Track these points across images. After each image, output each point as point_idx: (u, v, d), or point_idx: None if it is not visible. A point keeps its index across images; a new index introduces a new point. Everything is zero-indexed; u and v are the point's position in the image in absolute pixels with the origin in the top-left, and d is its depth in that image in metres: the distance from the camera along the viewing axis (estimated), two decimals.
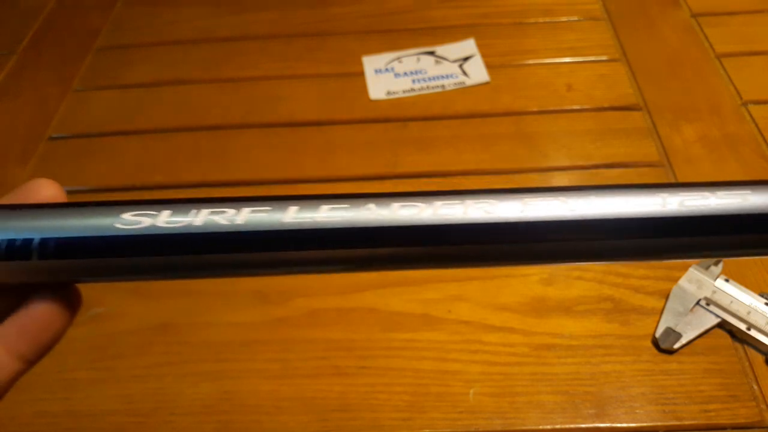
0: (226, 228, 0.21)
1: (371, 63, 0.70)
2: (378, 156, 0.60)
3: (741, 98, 0.63)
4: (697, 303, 0.46)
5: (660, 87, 0.65)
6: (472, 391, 0.43)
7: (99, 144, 0.64)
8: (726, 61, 0.67)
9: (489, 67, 0.68)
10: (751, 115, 0.61)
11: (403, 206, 0.21)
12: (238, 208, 0.21)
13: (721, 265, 0.47)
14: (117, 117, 0.67)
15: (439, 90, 0.66)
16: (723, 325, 0.45)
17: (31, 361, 0.22)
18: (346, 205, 0.21)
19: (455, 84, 0.67)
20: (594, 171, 0.57)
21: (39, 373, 0.25)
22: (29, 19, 0.81)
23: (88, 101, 0.69)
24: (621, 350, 0.45)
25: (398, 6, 0.78)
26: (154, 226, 0.21)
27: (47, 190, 0.23)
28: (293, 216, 0.21)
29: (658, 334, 0.45)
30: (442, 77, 0.68)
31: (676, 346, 0.44)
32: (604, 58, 0.69)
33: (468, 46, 0.71)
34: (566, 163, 0.58)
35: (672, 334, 0.44)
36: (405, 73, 0.68)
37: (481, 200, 0.21)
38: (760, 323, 0.44)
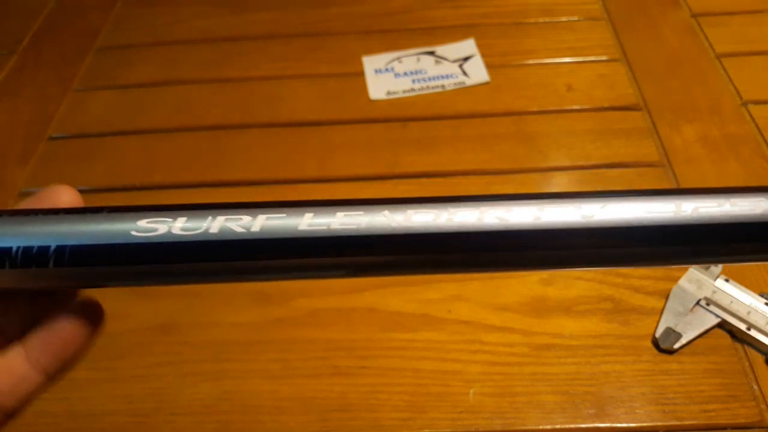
0: (241, 236, 0.21)
1: (371, 63, 0.70)
2: (378, 156, 0.60)
3: (741, 98, 0.63)
4: (697, 303, 0.46)
5: (660, 87, 0.65)
6: (472, 391, 0.43)
7: (99, 144, 0.64)
8: (726, 61, 0.67)
9: (489, 67, 0.68)
10: (751, 115, 0.61)
11: (417, 213, 0.21)
12: (253, 215, 0.21)
13: (721, 265, 0.47)
14: (117, 117, 0.67)
15: (439, 90, 0.66)
16: (723, 325, 0.45)
17: (52, 376, 0.23)
18: (360, 212, 0.21)
19: (455, 84, 0.67)
20: (594, 171, 0.57)
21: None
22: (29, 19, 0.81)
23: (88, 101, 0.69)
24: (621, 350, 0.45)
25: (398, 6, 0.78)
26: (170, 234, 0.21)
27: (66, 196, 0.23)
28: (308, 223, 0.21)
29: (658, 334, 0.45)
30: (442, 77, 0.68)
31: (676, 346, 0.44)
32: (604, 58, 0.69)
33: (468, 46, 0.71)
34: (566, 163, 0.58)
35: (672, 334, 0.44)
36: (405, 73, 0.68)
37: (495, 206, 0.21)
38: (760, 323, 0.44)
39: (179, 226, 0.21)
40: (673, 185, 0.55)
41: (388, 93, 0.66)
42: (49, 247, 0.21)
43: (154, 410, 0.43)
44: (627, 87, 0.65)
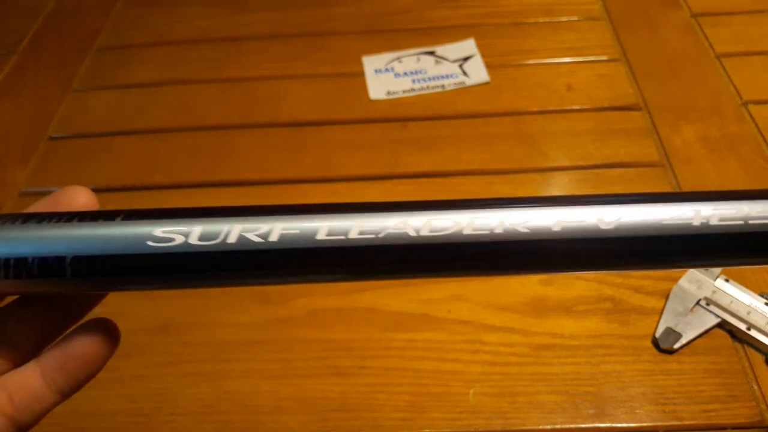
0: (259, 246, 0.21)
1: (371, 63, 0.70)
2: (378, 156, 0.60)
3: (741, 98, 0.63)
4: (697, 303, 0.46)
5: (660, 87, 0.65)
6: (472, 391, 0.43)
7: (99, 144, 0.64)
8: (726, 61, 0.67)
9: (489, 67, 0.68)
10: (751, 115, 0.61)
11: (437, 220, 0.21)
12: (270, 224, 0.21)
13: None
14: (117, 117, 0.67)
15: (439, 90, 0.66)
16: (723, 325, 0.45)
17: (67, 395, 0.23)
18: (378, 220, 0.21)
19: (455, 84, 0.67)
20: (594, 171, 0.57)
21: None
22: (29, 19, 0.81)
23: (88, 101, 0.69)
24: (621, 350, 0.45)
25: (398, 6, 0.78)
26: (186, 244, 0.21)
27: (81, 197, 0.23)
28: (326, 232, 0.21)
29: (658, 334, 0.45)
30: (442, 77, 0.68)
31: (676, 346, 0.44)
32: (604, 58, 0.69)
33: (468, 46, 0.71)
34: (566, 163, 0.58)
35: (672, 334, 0.44)
36: (405, 73, 0.68)
37: (515, 212, 0.21)
38: (760, 323, 0.44)
39: (196, 235, 0.21)
40: (673, 185, 0.55)
41: (388, 93, 0.66)
42: (65, 258, 0.21)
43: (154, 410, 0.43)
44: (627, 87, 0.65)
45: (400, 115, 0.64)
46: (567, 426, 0.41)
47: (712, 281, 0.46)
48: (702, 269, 0.47)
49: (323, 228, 0.21)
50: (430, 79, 0.68)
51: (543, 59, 0.69)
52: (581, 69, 0.68)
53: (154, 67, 0.72)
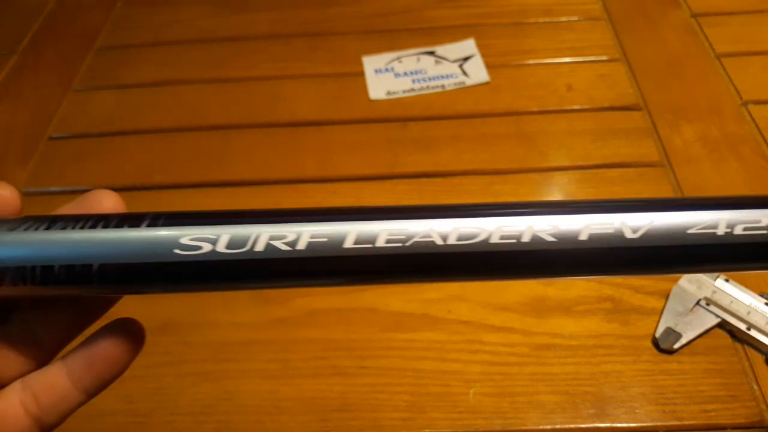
0: (286, 254, 0.21)
1: (371, 63, 0.70)
2: (378, 156, 0.60)
3: (741, 98, 0.63)
4: (697, 303, 0.46)
5: (660, 87, 0.65)
6: (472, 391, 0.43)
7: (99, 144, 0.64)
8: (726, 61, 0.67)
9: (489, 67, 0.68)
10: (751, 115, 0.61)
11: (464, 229, 0.21)
12: (297, 232, 0.21)
13: None
14: (117, 117, 0.67)
15: (439, 90, 0.66)
16: (723, 325, 0.45)
17: (92, 395, 0.23)
18: (405, 228, 0.21)
19: (455, 84, 0.67)
20: (594, 171, 0.57)
21: None
22: (29, 19, 0.81)
23: (88, 101, 0.69)
24: (621, 350, 0.45)
25: (398, 6, 0.78)
26: (214, 252, 0.21)
27: (108, 201, 0.23)
28: (353, 240, 0.21)
29: (658, 334, 0.45)
30: (442, 77, 0.68)
31: (676, 346, 0.44)
32: (604, 58, 0.69)
33: (468, 46, 0.71)
34: (566, 163, 0.58)
35: (672, 334, 0.44)
36: (405, 73, 0.68)
37: (542, 219, 0.21)
38: (760, 323, 0.44)
39: (223, 243, 0.21)
40: (673, 185, 0.55)
41: (388, 93, 0.66)
42: (91, 266, 0.21)
43: (154, 410, 0.43)
44: (627, 87, 0.65)
45: (400, 115, 0.64)
46: (567, 426, 0.41)
47: (712, 281, 0.46)
48: None
49: (350, 236, 0.21)
50: (430, 79, 0.68)
51: (543, 59, 0.69)
52: (581, 69, 0.68)
53: (154, 67, 0.72)
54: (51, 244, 0.21)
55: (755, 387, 0.42)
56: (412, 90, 0.67)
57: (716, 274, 0.47)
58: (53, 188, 0.59)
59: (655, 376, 0.43)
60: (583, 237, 0.21)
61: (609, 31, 0.72)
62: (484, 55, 0.70)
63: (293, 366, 0.45)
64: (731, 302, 0.45)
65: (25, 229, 0.21)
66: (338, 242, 0.21)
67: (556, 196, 0.56)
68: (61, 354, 0.24)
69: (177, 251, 0.21)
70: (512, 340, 0.46)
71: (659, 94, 0.64)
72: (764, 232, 0.21)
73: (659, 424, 0.41)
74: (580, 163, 0.58)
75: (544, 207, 0.22)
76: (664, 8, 0.75)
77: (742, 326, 0.44)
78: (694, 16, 0.73)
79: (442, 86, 0.67)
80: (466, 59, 0.70)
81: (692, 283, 0.47)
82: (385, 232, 0.21)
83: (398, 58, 0.70)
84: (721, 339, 0.45)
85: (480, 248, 0.21)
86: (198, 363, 0.46)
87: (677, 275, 0.47)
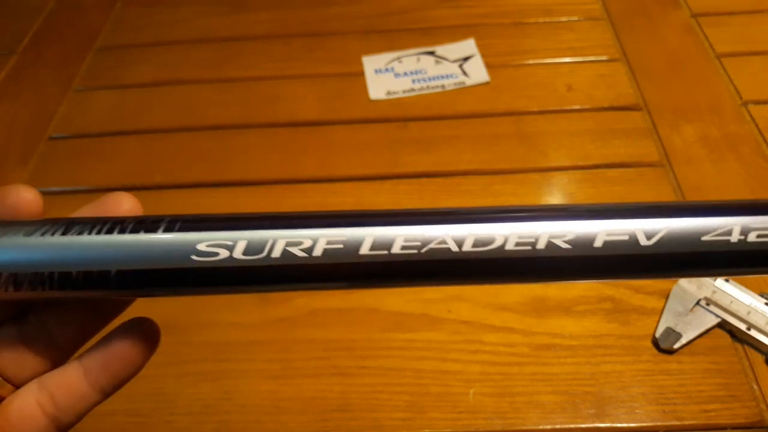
0: (303, 261, 0.21)
1: (371, 63, 0.70)
2: (378, 156, 0.60)
3: (741, 98, 0.63)
4: (697, 303, 0.46)
5: (660, 87, 0.65)
6: (472, 391, 0.43)
7: (99, 144, 0.64)
8: (726, 61, 0.67)
9: (489, 67, 0.68)
10: (751, 115, 0.61)
11: (479, 237, 0.21)
12: (314, 239, 0.21)
13: None
14: (117, 117, 0.67)
15: (439, 90, 0.66)
16: (723, 325, 0.45)
17: (108, 394, 0.23)
18: (420, 234, 0.21)
19: (455, 84, 0.67)
20: (594, 171, 0.57)
21: None
22: (29, 19, 0.81)
23: (88, 101, 0.69)
24: (621, 350, 0.45)
25: (398, 6, 0.78)
26: (231, 258, 0.21)
27: (126, 204, 0.23)
28: (369, 247, 0.21)
29: (658, 334, 0.45)
30: (442, 77, 0.68)
31: (676, 346, 0.44)
32: (604, 58, 0.69)
33: (468, 46, 0.71)
34: (566, 163, 0.58)
35: (672, 334, 0.44)
36: (405, 73, 0.68)
37: (557, 224, 0.21)
38: (760, 323, 0.44)
39: (240, 250, 0.21)
40: (673, 185, 0.55)
41: (388, 93, 0.66)
42: (109, 272, 0.21)
43: (154, 410, 0.43)
44: (627, 87, 0.65)
45: (400, 115, 0.64)
46: (567, 426, 0.41)
47: (712, 281, 0.46)
48: None
49: (366, 242, 0.21)
50: (430, 79, 0.68)
51: (543, 59, 0.69)
52: (581, 69, 0.68)
53: (154, 67, 0.72)
54: (68, 249, 0.21)
55: (755, 387, 0.42)
56: (412, 90, 0.67)
57: None
58: (53, 188, 0.59)
59: (655, 376, 0.43)
60: (598, 244, 0.21)
61: (609, 31, 0.72)
62: (484, 55, 0.70)
63: (293, 366, 0.45)
64: (731, 302, 0.45)
65: (42, 234, 0.21)
66: (354, 249, 0.21)
67: (556, 196, 0.56)
68: (76, 354, 0.24)
69: (194, 257, 0.21)
70: (512, 340, 0.46)
71: (659, 94, 0.64)
72: None
73: (659, 424, 0.41)
74: (580, 163, 0.58)
75: (560, 212, 0.22)
76: (664, 8, 0.75)
77: (742, 326, 0.44)
78: (694, 16, 0.73)
79: (442, 86, 0.67)
80: (466, 59, 0.70)
81: (692, 283, 0.47)
82: (400, 238, 0.21)
83: (398, 58, 0.70)
84: (721, 339, 0.45)
85: (495, 255, 0.21)
86: (198, 363, 0.46)
87: None
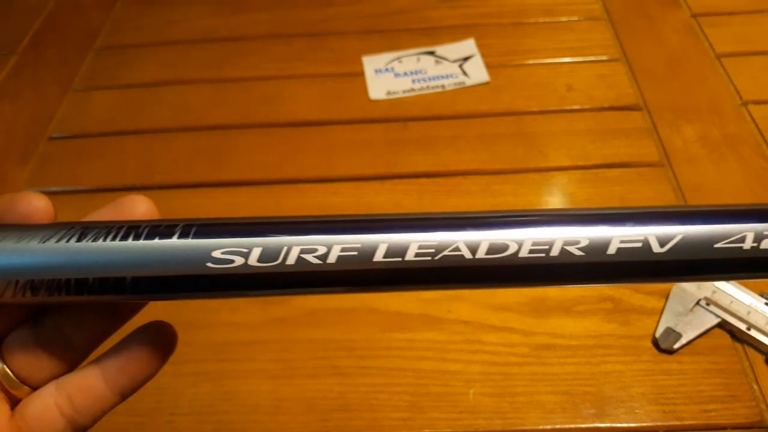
0: (317, 267, 0.21)
1: (371, 63, 0.70)
2: (378, 156, 0.60)
3: (741, 98, 0.63)
4: (697, 303, 0.46)
5: (660, 87, 0.65)
6: (472, 391, 0.43)
7: (99, 144, 0.64)
8: (726, 61, 0.67)
9: (489, 67, 0.68)
10: (751, 115, 0.61)
11: (493, 243, 0.21)
12: (328, 246, 0.21)
13: None
14: (117, 117, 0.67)
15: (439, 90, 0.66)
16: (723, 325, 0.45)
17: (125, 397, 0.24)
18: (434, 242, 0.21)
19: (455, 84, 0.67)
20: (594, 171, 0.57)
21: None
22: (29, 19, 0.81)
23: (88, 101, 0.69)
24: (621, 350, 0.45)
25: (398, 6, 0.78)
26: (245, 265, 0.21)
27: (141, 207, 0.23)
28: (383, 254, 0.21)
29: (658, 334, 0.45)
30: (442, 77, 0.68)
31: (676, 346, 0.44)
32: (604, 58, 0.69)
33: (468, 46, 0.71)
34: (566, 163, 0.58)
35: (672, 334, 0.44)
36: (405, 73, 0.68)
37: (571, 229, 0.21)
38: (760, 323, 0.44)
39: (255, 257, 0.21)
40: (673, 185, 0.55)
41: (388, 93, 0.66)
42: (125, 278, 0.21)
43: (154, 410, 0.43)
44: (627, 87, 0.65)
45: (400, 115, 0.64)
46: (567, 426, 0.41)
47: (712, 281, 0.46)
48: None
49: (380, 249, 0.21)
50: (430, 79, 0.68)
51: (543, 59, 0.69)
52: (581, 69, 0.68)
53: (154, 67, 0.72)
54: (84, 256, 0.21)
55: (755, 387, 0.42)
56: (412, 90, 0.67)
57: None
58: (53, 188, 0.59)
59: (655, 376, 0.43)
60: (611, 251, 0.21)
61: (609, 31, 0.72)
62: (484, 55, 0.70)
63: (293, 366, 0.45)
64: (731, 302, 0.45)
65: (57, 241, 0.21)
66: (368, 256, 0.21)
67: (556, 196, 0.56)
68: (91, 356, 0.24)
69: (210, 264, 0.21)
70: (512, 340, 0.46)
71: (659, 94, 0.64)
72: None
73: (659, 424, 0.41)
74: (579, 163, 0.58)
75: (574, 217, 0.22)
76: (664, 8, 0.75)
77: (742, 326, 0.44)
78: (694, 16, 0.73)
79: (442, 86, 0.67)
80: (466, 59, 0.70)
81: (692, 283, 0.47)
82: (414, 244, 0.21)
83: (398, 58, 0.70)
84: (721, 339, 0.45)
85: (508, 262, 0.21)
86: (198, 363, 0.46)
87: None
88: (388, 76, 0.68)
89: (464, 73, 0.68)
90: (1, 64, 0.74)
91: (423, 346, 0.46)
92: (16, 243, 0.21)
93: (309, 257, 0.21)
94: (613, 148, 0.59)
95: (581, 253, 0.21)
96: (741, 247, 0.21)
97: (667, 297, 0.46)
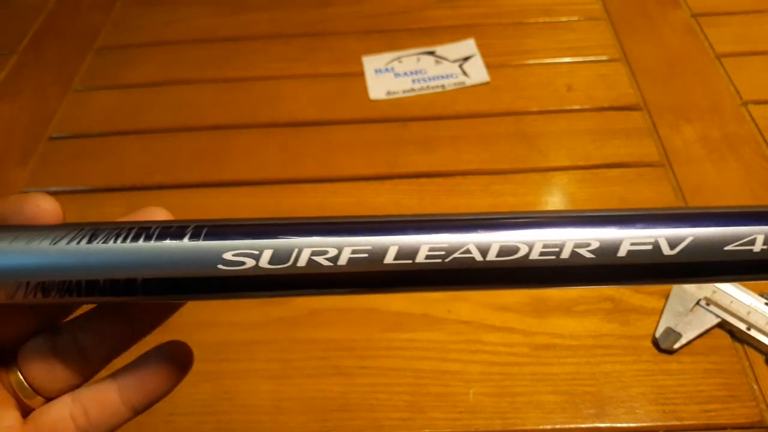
0: (328, 269, 0.21)
1: (371, 63, 0.70)
2: (378, 156, 0.60)
3: (741, 98, 0.63)
4: (697, 303, 0.46)
5: (660, 87, 0.65)
6: (472, 391, 0.43)
7: (99, 144, 0.64)
8: (726, 61, 0.67)
9: (489, 67, 0.68)
10: (751, 115, 0.61)
11: (503, 245, 0.21)
12: (339, 245, 0.21)
13: None
14: (117, 117, 0.67)
15: (439, 90, 0.66)
16: (723, 325, 0.45)
17: (138, 412, 0.24)
18: (445, 244, 0.21)
19: (455, 84, 0.67)
20: (594, 171, 0.57)
21: None
22: (29, 19, 0.81)
23: (88, 101, 0.69)
24: (621, 350, 0.45)
25: (398, 6, 0.78)
26: (256, 267, 0.21)
27: (160, 217, 0.23)
28: (393, 256, 0.21)
29: (658, 334, 0.45)
30: (442, 77, 0.68)
31: (676, 346, 0.44)
32: (604, 58, 0.69)
33: (468, 46, 0.71)
34: (566, 163, 0.58)
35: (672, 334, 0.44)
36: (405, 73, 0.68)
37: (584, 233, 0.21)
38: (760, 323, 0.44)
39: (266, 259, 0.21)
40: (673, 185, 0.55)
41: (388, 93, 0.66)
42: (136, 279, 0.21)
43: (154, 410, 0.43)
44: (627, 87, 0.65)
45: (400, 115, 0.64)
46: (567, 426, 0.41)
47: None
48: None
49: (391, 252, 0.21)
50: (430, 79, 0.68)
51: (543, 59, 0.69)
52: (581, 69, 0.68)
53: (154, 67, 0.72)
54: (95, 258, 0.21)
55: (755, 387, 0.42)
56: (412, 90, 0.67)
57: None
58: (53, 188, 0.59)
59: (655, 376, 0.43)
60: (622, 254, 0.21)
61: (609, 31, 0.72)
62: (484, 55, 0.70)
63: (293, 366, 0.45)
64: (731, 302, 0.45)
65: (68, 242, 0.22)
66: (379, 258, 0.21)
67: (556, 196, 0.56)
68: (102, 372, 0.24)
69: (221, 266, 0.21)
70: (512, 340, 0.46)
71: (659, 94, 0.64)
72: None
73: (659, 424, 0.41)
74: (580, 163, 0.58)
75: (584, 218, 0.22)
76: (664, 8, 0.75)
77: (742, 326, 0.44)
78: (694, 16, 0.73)
79: (442, 86, 0.67)
80: (466, 59, 0.70)
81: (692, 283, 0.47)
82: (425, 247, 0.21)
83: (398, 58, 0.70)
84: (721, 339, 0.45)
85: (519, 264, 0.21)
86: (198, 363, 0.45)
87: None
88: (388, 76, 0.68)
89: (464, 73, 0.68)
90: (1, 64, 0.74)
91: (423, 346, 0.46)
92: (27, 244, 0.21)
93: (320, 259, 0.21)
94: (613, 148, 0.59)
95: (592, 256, 0.21)
96: (751, 250, 0.21)
97: (667, 297, 0.47)
